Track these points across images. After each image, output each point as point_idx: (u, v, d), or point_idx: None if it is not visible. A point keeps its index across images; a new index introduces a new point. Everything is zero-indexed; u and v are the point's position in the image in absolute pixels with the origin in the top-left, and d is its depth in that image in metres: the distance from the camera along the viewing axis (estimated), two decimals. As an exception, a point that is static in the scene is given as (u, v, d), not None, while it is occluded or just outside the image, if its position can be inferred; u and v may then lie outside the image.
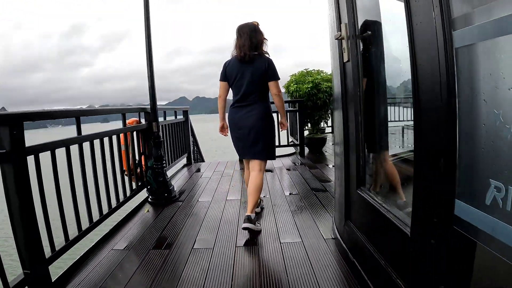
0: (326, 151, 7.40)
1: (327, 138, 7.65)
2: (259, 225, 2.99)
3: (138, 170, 3.98)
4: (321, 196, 3.94)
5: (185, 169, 6.28)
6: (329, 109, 7.11)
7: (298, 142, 7.01)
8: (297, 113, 6.91)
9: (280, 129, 4.14)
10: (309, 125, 7.53)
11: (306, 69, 7.37)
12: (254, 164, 3.04)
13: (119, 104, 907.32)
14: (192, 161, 6.81)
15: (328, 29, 2.55)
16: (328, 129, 9.16)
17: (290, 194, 4.15)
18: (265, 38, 3.02)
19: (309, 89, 6.82)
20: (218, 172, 5.72)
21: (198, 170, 6.07)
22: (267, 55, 3.02)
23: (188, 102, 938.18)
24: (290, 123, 7.46)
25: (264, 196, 4.01)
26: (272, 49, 3.22)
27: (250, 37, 2.93)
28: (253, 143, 3.00)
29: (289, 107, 7.24)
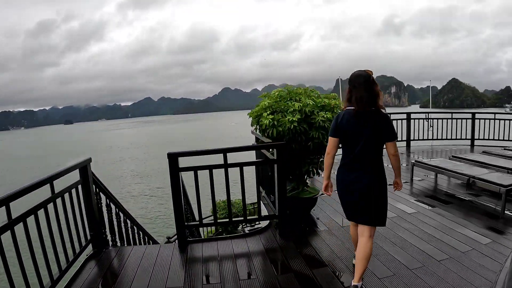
0: (318, 217, 4.67)
1: (317, 197, 4.78)
2: None
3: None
4: None
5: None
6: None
7: (275, 210, 4.16)
8: (275, 166, 3.93)
9: (394, 189, 3.19)
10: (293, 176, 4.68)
11: (287, 90, 4.52)
12: (364, 230, 2.84)
13: (83, 105, 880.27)
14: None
15: None
16: (319, 183, 6.12)
17: None
18: (380, 90, 2.76)
19: (296, 123, 3.99)
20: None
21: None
22: (383, 110, 2.76)
23: (153, 103, 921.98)
24: (260, 178, 4.61)
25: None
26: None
27: (366, 90, 2.70)
28: (365, 208, 2.81)
29: (256, 157, 4.34)
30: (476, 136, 10.72)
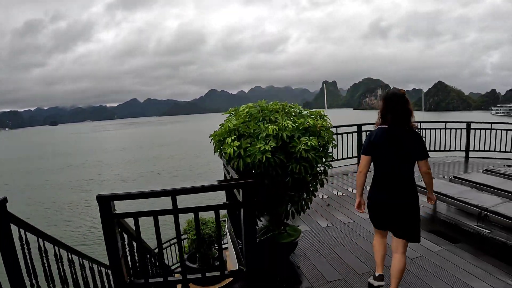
0: (299, 266, 3.79)
1: (298, 240, 3.80)
2: None
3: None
4: None
5: None
6: (316, 184, 3.45)
7: (243, 262, 3.20)
8: (241, 210, 2.89)
9: (428, 203, 3.23)
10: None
11: (259, 106, 3.57)
12: (398, 245, 2.91)
13: (68, 106, 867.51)
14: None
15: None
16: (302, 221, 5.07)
17: None
18: (412, 109, 2.78)
19: (269, 154, 3.02)
20: None
21: None
22: (415, 129, 2.82)
23: (139, 104, 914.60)
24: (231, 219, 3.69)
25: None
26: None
27: (401, 108, 2.75)
28: (400, 224, 2.86)
29: (226, 195, 3.34)
30: (471, 147, 10.02)
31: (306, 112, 3.65)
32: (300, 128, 3.26)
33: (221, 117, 3.60)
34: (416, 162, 2.82)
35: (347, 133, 8.95)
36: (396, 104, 2.75)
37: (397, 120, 2.74)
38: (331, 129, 3.51)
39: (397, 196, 2.81)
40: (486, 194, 4.88)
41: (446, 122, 10.11)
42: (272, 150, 3.02)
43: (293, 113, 3.54)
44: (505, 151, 9.89)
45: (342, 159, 9.00)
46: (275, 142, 3.06)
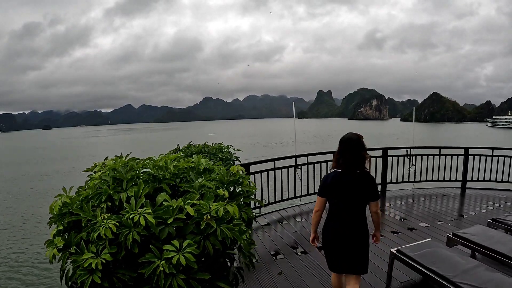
0: None
1: None
2: None
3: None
4: None
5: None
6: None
7: None
8: None
9: (372, 241, 3.33)
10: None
11: (126, 164, 2.15)
12: (351, 280, 3.06)
13: (63, 111, 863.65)
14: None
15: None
16: None
17: None
18: (367, 154, 3.01)
19: (97, 277, 1.56)
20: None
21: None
22: (367, 171, 3.00)
23: (134, 110, 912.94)
24: None
25: None
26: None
27: (354, 154, 2.94)
28: (351, 258, 3.00)
29: None
30: (468, 176, 8.65)
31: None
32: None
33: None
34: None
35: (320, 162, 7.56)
36: (348, 150, 2.94)
37: (348, 166, 2.93)
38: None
39: (349, 226, 2.96)
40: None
41: (440, 148, 8.71)
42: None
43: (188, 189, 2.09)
44: (508, 181, 8.56)
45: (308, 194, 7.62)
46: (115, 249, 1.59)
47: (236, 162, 4.68)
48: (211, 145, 4.79)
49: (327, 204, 3.11)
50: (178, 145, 4.97)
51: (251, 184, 2.84)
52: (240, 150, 4.99)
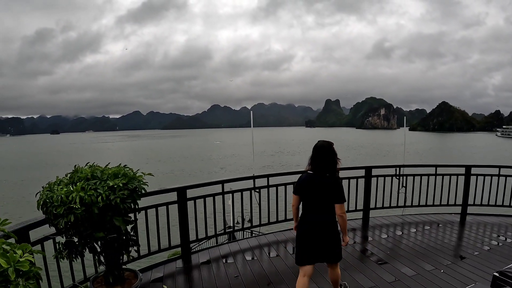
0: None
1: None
2: None
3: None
4: None
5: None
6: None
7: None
8: None
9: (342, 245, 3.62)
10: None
11: None
12: (331, 266, 3.59)
13: (71, 116, 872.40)
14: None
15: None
16: None
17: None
18: (338, 159, 3.39)
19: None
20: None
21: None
22: (338, 176, 3.41)
23: (142, 116, 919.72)
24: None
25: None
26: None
27: (325, 159, 3.32)
28: (328, 249, 3.38)
29: None
30: (470, 200, 7.25)
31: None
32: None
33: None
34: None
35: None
36: (318, 156, 3.35)
37: (317, 169, 3.34)
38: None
39: (319, 221, 3.35)
40: None
41: (436, 166, 7.32)
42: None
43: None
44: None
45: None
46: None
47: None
48: (107, 168, 3.51)
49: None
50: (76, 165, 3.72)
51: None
52: (151, 175, 3.72)
